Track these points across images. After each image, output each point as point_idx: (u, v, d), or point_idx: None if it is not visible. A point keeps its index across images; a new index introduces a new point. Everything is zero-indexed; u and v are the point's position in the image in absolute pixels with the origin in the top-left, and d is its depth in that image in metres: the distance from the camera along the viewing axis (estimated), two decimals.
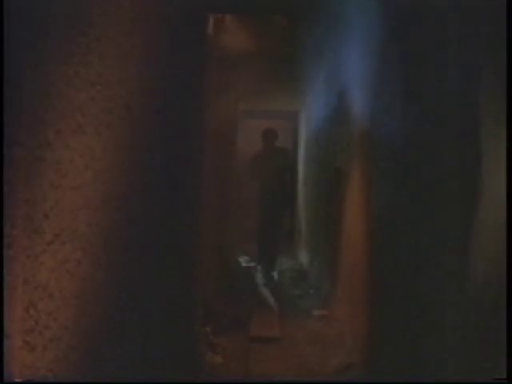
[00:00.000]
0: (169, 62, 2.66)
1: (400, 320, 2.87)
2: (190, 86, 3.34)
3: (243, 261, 8.08)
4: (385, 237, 3.30)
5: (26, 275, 1.12)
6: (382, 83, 3.47)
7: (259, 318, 5.23)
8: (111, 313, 1.78)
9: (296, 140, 10.27)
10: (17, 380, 1.15)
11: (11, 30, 1.10)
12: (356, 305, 4.08)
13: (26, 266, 1.12)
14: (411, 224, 2.73)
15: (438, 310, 2.32)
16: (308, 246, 7.88)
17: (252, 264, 7.56)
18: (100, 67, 1.60)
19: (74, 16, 1.40)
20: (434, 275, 2.37)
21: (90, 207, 1.53)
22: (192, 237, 3.56)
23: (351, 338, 4.12)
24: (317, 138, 6.76)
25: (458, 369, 2.11)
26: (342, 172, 4.86)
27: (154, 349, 2.42)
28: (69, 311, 1.38)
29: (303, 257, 8.28)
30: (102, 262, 1.66)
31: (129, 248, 1.98)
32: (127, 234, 1.95)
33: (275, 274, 7.06)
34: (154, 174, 2.38)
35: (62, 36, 1.32)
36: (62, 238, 1.31)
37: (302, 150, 9.13)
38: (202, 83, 3.89)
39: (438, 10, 2.38)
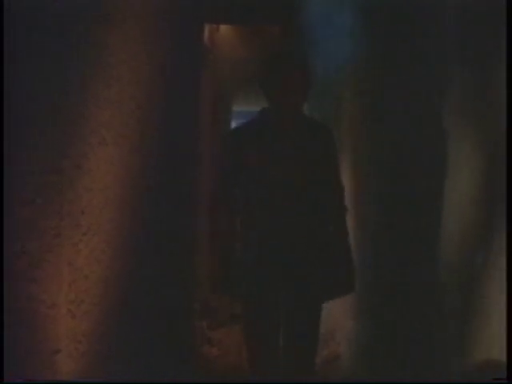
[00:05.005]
0: (169, 73, 2.92)
1: (400, 318, 2.87)
2: (188, 93, 3.57)
3: None
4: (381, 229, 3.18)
5: (70, 259, 1.42)
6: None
7: None
8: (122, 299, 2.02)
9: None
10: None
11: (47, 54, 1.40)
12: (351, 301, 4.08)
13: (69, 251, 1.42)
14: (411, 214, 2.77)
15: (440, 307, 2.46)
16: None
17: None
18: (118, 87, 1.89)
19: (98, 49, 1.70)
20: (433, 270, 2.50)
21: (110, 207, 1.82)
22: (190, 233, 3.78)
23: (344, 333, 4.18)
24: None
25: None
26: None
27: (151, 340, 2.64)
28: (96, 291, 1.67)
29: None
30: (119, 253, 1.94)
31: (135, 244, 2.22)
32: (136, 231, 2.21)
33: None
34: (158, 176, 2.64)
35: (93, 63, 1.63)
36: (92, 231, 1.61)
37: None
38: (198, 88, 4.11)
39: None
